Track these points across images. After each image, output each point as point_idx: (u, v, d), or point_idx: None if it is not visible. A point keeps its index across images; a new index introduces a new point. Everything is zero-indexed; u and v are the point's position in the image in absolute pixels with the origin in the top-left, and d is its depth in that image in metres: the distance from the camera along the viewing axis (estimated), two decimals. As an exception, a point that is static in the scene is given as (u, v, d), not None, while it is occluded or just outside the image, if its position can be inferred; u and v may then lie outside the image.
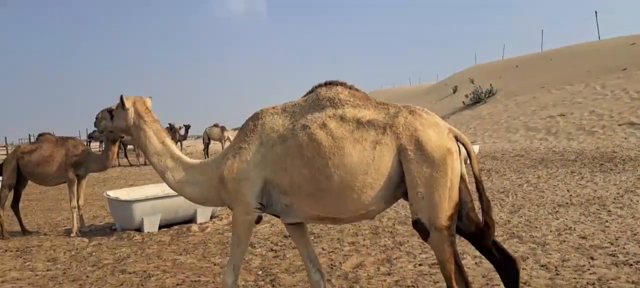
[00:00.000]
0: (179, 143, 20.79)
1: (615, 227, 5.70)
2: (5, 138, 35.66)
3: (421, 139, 2.77)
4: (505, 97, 24.93)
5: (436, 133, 2.81)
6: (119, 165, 19.98)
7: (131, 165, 20.57)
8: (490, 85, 27.61)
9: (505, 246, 3.62)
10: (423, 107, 3.09)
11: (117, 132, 3.94)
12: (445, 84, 39.71)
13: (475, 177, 2.91)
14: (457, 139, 2.88)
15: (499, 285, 4.05)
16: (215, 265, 5.19)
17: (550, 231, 5.72)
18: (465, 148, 2.89)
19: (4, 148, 36.30)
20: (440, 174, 2.73)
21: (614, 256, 4.60)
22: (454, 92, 33.64)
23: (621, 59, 22.71)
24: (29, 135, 34.26)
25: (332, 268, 4.82)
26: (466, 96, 28.11)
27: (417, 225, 2.83)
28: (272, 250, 5.66)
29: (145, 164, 20.60)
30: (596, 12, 31.39)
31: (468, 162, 2.94)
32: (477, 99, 26.82)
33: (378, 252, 5.28)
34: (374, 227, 6.48)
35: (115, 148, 7.37)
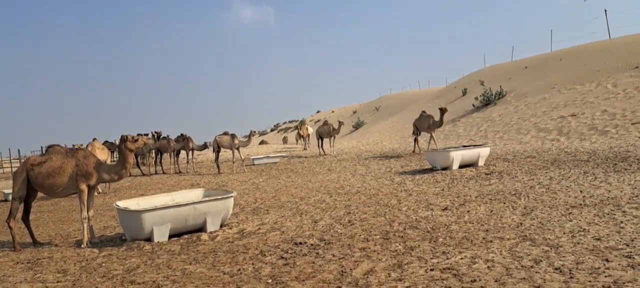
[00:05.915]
0: (191, 152, 20.78)
1: (631, 227, 5.58)
2: (19, 150, 36.02)
3: None
4: (516, 99, 24.75)
5: None
6: (130, 175, 20.08)
7: (144, 174, 20.67)
8: (500, 86, 27.47)
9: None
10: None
11: None
12: (455, 86, 39.52)
13: None
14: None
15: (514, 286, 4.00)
16: (224, 274, 5.16)
17: (564, 233, 5.62)
18: None
19: (17, 160, 36.78)
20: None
21: (630, 258, 4.49)
22: (464, 94, 33.49)
23: (633, 57, 22.44)
24: (41, 146, 34.62)
25: (342, 274, 4.76)
26: (476, 98, 27.99)
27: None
28: (282, 257, 5.62)
29: (156, 173, 20.71)
30: (606, 11, 31.01)
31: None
32: (487, 101, 26.68)
33: (389, 258, 5.21)
34: (385, 232, 6.43)
35: (131, 159, 7.38)
